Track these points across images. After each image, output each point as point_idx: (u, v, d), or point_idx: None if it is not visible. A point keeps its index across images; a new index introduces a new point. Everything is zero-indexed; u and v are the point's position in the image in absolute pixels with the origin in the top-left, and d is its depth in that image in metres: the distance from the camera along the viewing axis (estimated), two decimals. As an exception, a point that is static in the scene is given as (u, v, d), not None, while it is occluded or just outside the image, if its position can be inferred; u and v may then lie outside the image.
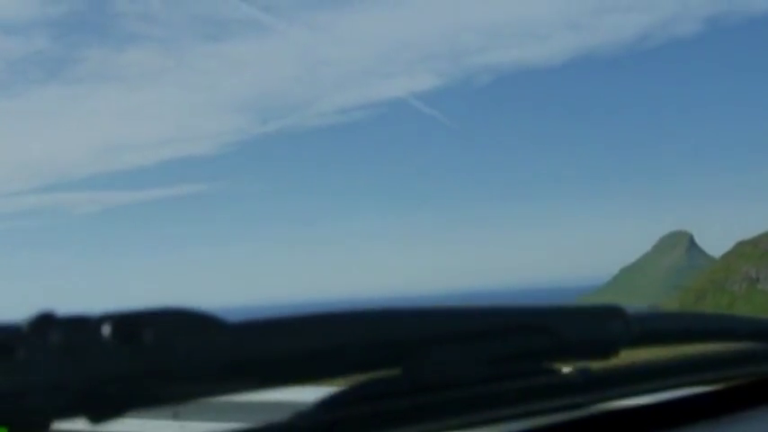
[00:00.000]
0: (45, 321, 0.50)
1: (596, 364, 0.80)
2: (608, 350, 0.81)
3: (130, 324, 0.53)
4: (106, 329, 0.52)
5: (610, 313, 0.82)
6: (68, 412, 0.51)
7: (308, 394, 0.66)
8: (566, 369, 0.78)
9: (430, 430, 0.68)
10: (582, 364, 0.79)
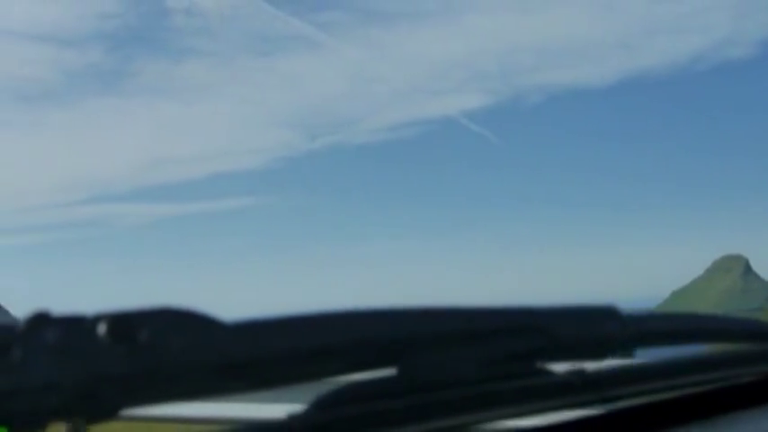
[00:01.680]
0: (40, 321, 0.50)
1: (592, 365, 0.80)
2: (603, 350, 0.81)
3: (126, 323, 0.53)
4: (102, 329, 0.52)
5: (605, 313, 0.82)
6: (64, 412, 0.51)
7: (304, 393, 0.66)
8: (561, 369, 0.78)
9: (425, 430, 0.68)
10: (577, 365, 0.79)
